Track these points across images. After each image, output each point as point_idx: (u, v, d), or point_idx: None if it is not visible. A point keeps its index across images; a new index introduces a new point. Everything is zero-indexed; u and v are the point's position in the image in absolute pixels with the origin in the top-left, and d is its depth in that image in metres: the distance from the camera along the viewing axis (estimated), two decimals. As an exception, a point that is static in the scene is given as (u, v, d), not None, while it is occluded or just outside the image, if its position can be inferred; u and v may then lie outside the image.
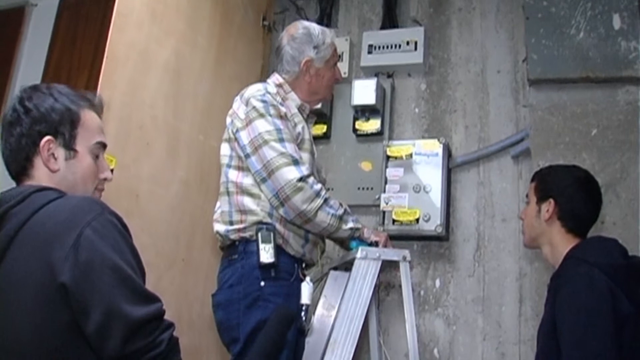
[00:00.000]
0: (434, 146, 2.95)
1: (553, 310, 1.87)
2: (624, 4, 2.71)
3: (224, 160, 2.32)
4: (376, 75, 3.20)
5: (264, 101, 2.24)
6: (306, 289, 2.21)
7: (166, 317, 1.41)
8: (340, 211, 2.26)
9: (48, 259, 1.31)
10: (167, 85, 2.51)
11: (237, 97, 2.37)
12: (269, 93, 2.28)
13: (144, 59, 2.37)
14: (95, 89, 2.10)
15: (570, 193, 2.09)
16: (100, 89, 2.11)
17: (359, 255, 2.25)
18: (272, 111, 2.23)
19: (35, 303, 1.31)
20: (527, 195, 2.25)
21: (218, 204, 2.34)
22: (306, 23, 2.48)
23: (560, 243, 2.06)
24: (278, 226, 2.21)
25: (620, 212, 2.55)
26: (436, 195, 2.87)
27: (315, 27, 2.44)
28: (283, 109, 2.27)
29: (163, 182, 2.48)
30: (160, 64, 2.47)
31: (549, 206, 2.09)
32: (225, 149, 2.34)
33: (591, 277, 1.81)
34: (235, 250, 2.23)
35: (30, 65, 3.26)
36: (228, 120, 2.35)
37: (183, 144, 2.60)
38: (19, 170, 1.51)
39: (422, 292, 2.92)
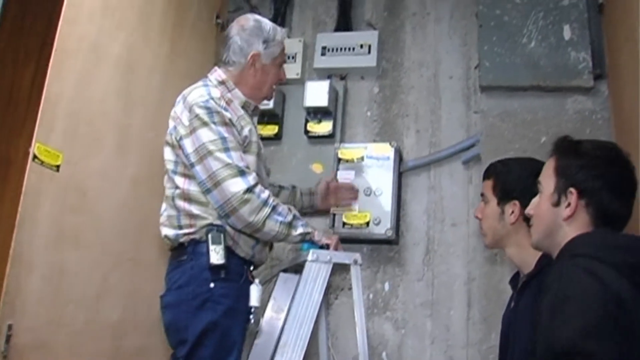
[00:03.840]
0: (386, 150, 2.95)
1: (531, 312, 1.83)
2: (574, 15, 2.77)
3: (169, 165, 2.26)
4: (329, 77, 3.19)
5: (207, 108, 2.17)
6: (255, 291, 2.18)
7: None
8: (289, 217, 2.21)
9: None
10: (118, 80, 2.45)
11: (180, 99, 2.29)
12: (213, 98, 2.20)
13: (94, 52, 2.29)
14: (43, 83, 2.02)
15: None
16: (47, 82, 2.03)
17: (310, 258, 2.23)
18: (216, 119, 2.16)
19: None
20: (482, 194, 2.21)
21: (164, 206, 2.28)
22: (258, 17, 2.42)
23: (529, 245, 1.99)
24: (228, 228, 2.17)
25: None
26: (387, 198, 2.87)
27: (266, 22, 2.39)
28: (228, 115, 2.20)
29: (112, 179, 2.41)
30: (112, 58, 2.40)
31: (513, 208, 2.06)
32: (169, 153, 2.27)
33: None
34: (185, 251, 2.19)
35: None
36: (171, 123, 2.27)
37: (133, 141, 2.54)
38: None
39: (371, 296, 2.91)
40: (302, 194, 2.73)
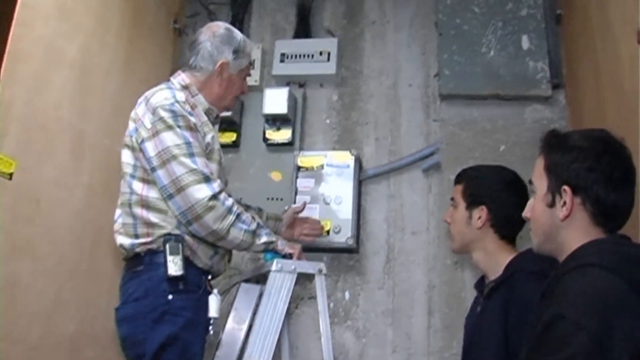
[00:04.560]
0: (346, 158, 2.93)
1: (501, 319, 1.85)
2: (532, 25, 2.82)
3: (127, 169, 2.17)
4: (288, 84, 3.16)
5: (172, 111, 2.10)
6: (214, 302, 2.12)
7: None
8: (253, 226, 2.16)
9: None
10: (74, 84, 2.36)
11: (142, 101, 2.22)
12: (178, 102, 2.14)
13: (49, 55, 2.21)
14: (-5, 86, 1.94)
15: (502, 198, 2.07)
16: (0, 86, 1.95)
17: (274, 267, 2.18)
18: (181, 122, 2.09)
19: None
20: (452, 198, 2.22)
21: (118, 212, 2.20)
22: (229, 25, 2.38)
23: (495, 250, 2.05)
24: (187, 237, 2.10)
25: (526, 226, 2.61)
26: (347, 207, 2.85)
27: (237, 33, 2.36)
28: (193, 120, 2.14)
29: (66, 187, 2.32)
30: (67, 61, 2.32)
31: (481, 213, 2.07)
32: (127, 156, 2.19)
33: None
34: (141, 261, 2.11)
35: None
36: (131, 125, 2.20)
37: (88, 147, 2.45)
38: None
39: (331, 305, 2.88)
40: (269, 218, 2.63)
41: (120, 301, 2.15)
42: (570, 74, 2.75)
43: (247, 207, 2.58)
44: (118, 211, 2.20)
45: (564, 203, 1.49)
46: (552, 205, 1.53)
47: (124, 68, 2.70)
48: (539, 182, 1.59)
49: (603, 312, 1.23)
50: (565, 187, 1.49)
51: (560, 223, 1.51)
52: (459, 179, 2.23)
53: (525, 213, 1.67)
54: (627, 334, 1.21)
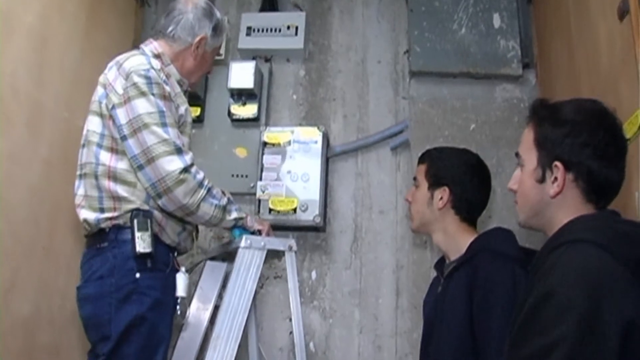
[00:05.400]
0: (313, 134, 2.86)
1: (464, 299, 1.82)
2: (504, 4, 2.80)
3: (93, 137, 2.04)
4: (254, 58, 3.07)
5: (147, 77, 2.00)
6: (182, 280, 2.04)
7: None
8: (224, 201, 2.09)
9: None
10: (30, 53, 2.23)
11: (112, 65, 2.10)
12: (154, 69, 2.04)
13: (5, 22, 2.07)
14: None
15: (464, 181, 2.05)
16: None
17: (242, 244, 2.11)
18: (155, 90, 2.00)
19: None
20: (415, 178, 2.19)
21: (79, 185, 2.08)
22: (208, 0, 2.29)
23: (456, 232, 2.03)
24: (156, 213, 2.01)
25: (495, 206, 2.61)
26: (314, 184, 2.79)
27: (216, 10, 2.28)
28: (168, 89, 2.04)
29: (23, 162, 2.20)
30: (24, 29, 2.18)
31: (443, 194, 2.05)
32: (95, 124, 2.06)
33: (514, 273, 1.75)
34: (105, 237, 2.00)
35: None
36: (100, 90, 2.08)
37: (46, 120, 2.32)
38: None
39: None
40: None
41: (82, 280, 2.05)
42: (541, 53, 2.73)
43: None
44: (79, 183, 2.08)
45: (555, 179, 1.44)
46: (542, 180, 1.47)
47: (84, 38, 2.57)
48: (528, 156, 1.51)
49: (594, 291, 1.19)
50: (557, 163, 1.43)
51: (549, 200, 1.46)
52: (422, 159, 2.19)
53: (511, 185, 1.60)
54: (618, 314, 1.17)
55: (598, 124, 1.44)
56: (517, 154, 1.57)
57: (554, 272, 1.27)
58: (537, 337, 1.23)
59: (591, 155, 1.41)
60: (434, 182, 2.09)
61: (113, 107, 2.01)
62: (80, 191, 2.07)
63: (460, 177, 2.06)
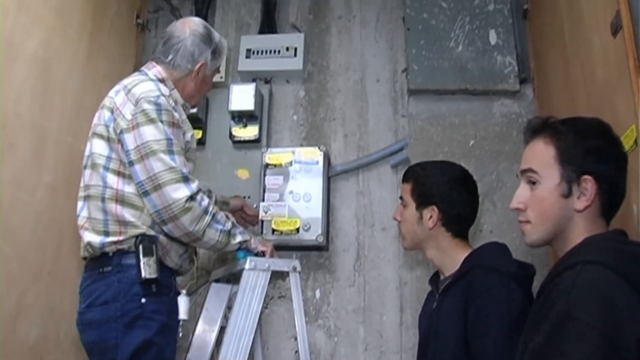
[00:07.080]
0: (314, 154, 2.89)
1: (460, 314, 1.83)
2: (500, 20, 2.83)
3: (99, 160, 2.05)
4: (254, 80, 3.10)
5: (157, 104, 2.02)
6: (183, 304, 2.06)
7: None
8: (228, 225, 2.11)
9: None
10: (34, 79, 2.27)
11: (120, 89, 2.11)
12: (164, 95, 2.06)
13: (8, 49, 2.11)
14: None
15: (452, 197, 2.03)
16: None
17: (247, 266, 2.14)
18: (164, 117, 2.01)
19: None
20: (401, 197, 2.17)
21: (82, 206, 2.08)
22: (206, 23, 2.31)
23: (449, 248, 2.02)
24: (161, 237, 2.02)
25: (496, 220, 2.63)
26: (316, 204, 2.81)
27: (215, 32, 2.30)
28: (177, 115, 2.07)
29: (28, 187, 2.23)
30: (27, 55, 2.22)
31: (432, 213, 2.03)
32: (100, 147, 2.06)
33: (509, 289, 1.76)
34: (109, 262, 2.00)
35: None
36: (106, 113, 2.08)
37: (50, 145, 2.36)
38: None
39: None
40: (217, 201, 2.59)
41: (84, 304, 2.05)
42: (537, 68, 2.76)
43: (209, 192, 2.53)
44: (82, 204, 2.09)
45: (582, 194, 1.46)
46: (567, 195, 1.47)
47: (86, 63, 2.62)
48: (547, 172, 1.51)
49: (611, 311, 1.23)
50: (587, 177, 1.45)
51: (574, 214, 1.47)
52: (406, 178, 2.17)
53: (516, 205, 1.58)
54: (634, 330, 1.21)
55: (612, 138, 1.50)
56: (525, 171, 1.56)
57: (569, 294, 1.29)
58: (558, 359, 1.24)
59: (614, 168, 1.47)
60: (422, 202, 2.07)
61: (121, 132, 2.02)
62: (84, 213, 2.08)
63: (448, 193, 2.04)
